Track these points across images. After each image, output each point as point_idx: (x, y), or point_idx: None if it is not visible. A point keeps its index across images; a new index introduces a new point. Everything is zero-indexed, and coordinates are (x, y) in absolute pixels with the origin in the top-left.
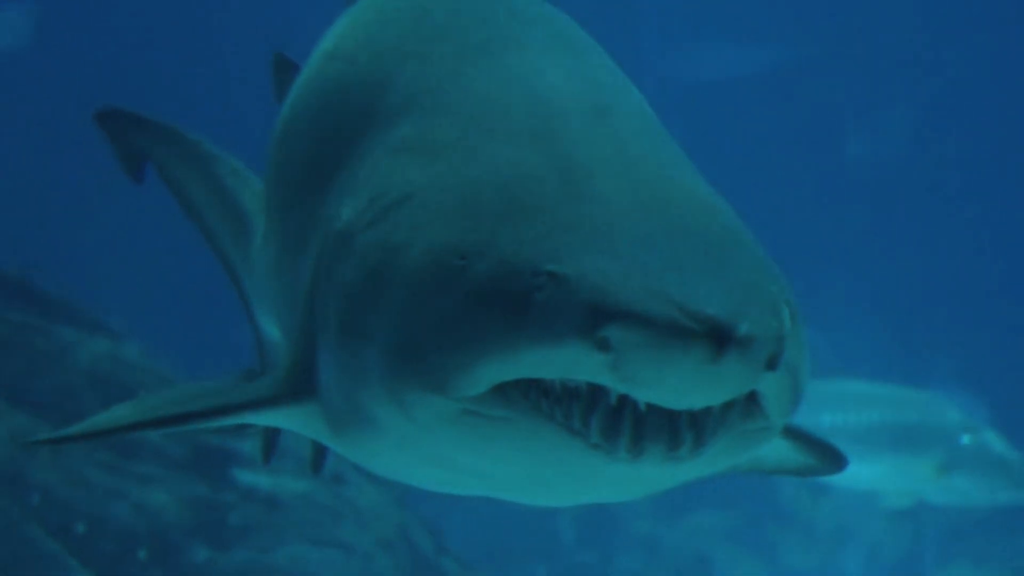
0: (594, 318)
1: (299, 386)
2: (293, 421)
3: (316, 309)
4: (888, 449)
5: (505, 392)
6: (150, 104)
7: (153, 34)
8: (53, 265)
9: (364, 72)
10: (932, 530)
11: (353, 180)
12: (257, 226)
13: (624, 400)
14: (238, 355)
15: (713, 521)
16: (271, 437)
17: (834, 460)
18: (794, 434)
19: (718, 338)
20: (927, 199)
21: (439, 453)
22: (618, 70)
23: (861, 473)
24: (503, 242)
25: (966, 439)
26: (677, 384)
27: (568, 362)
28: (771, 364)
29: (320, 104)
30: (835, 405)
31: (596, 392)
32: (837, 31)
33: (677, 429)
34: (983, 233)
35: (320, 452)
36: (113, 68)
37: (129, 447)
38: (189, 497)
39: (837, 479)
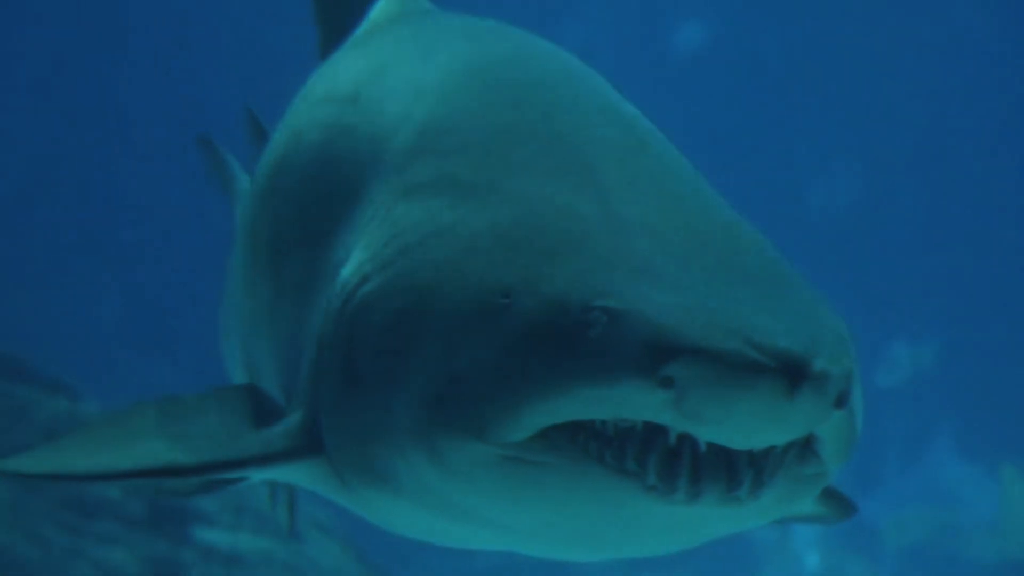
0: (657, 354)
1: (310, 440)
2: (300, 476)
3: (324, 358)
4: None
5: (548, 436)
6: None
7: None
8: (13, 326)
9: (367, 114)
10: None
11: (364, 223)
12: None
13: (683, 440)
14: None
15: None
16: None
17: (845, 510)
18: None
19: (792, 373)
20: (883, 247)
21: (472, 507)
22: (634, 107)
23: None
24: (549, 278)
25: None
26: (745, 422)
27: (626, 401)
28: (840, 402)
29: (316, 148)
30: None
31: (651, 432)
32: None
33: (735, 470)
34: (942, 277)
35: (287, 512)
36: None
37: (88, 505)
38: (148, 556)
39: None
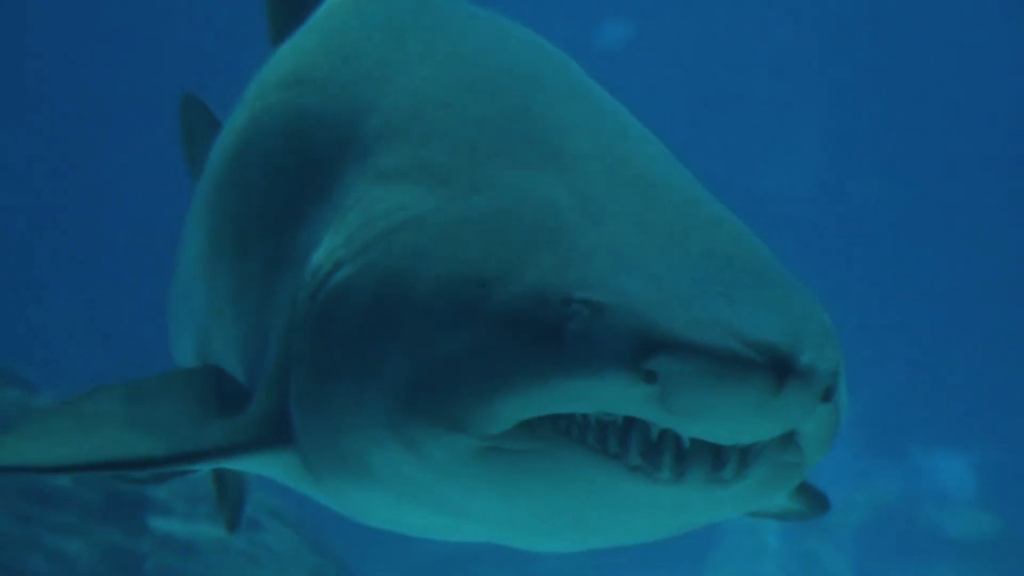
0: (640, 348)
1: (276, 430)
2: (268, 467)
3: (293, 347)
4: None
5: (530, 423)
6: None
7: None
8: None
9: (335, 99)
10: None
11: (332, 210)
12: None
13: (665, 435)
14: None
15: None
16: (233, 501)
17: (820, 506)
18: None
19: (780, 368)
20: (839, 234)
21: (450, 498)
22: (607, 93)
23: None
24: (526, 269)
25: None
26: (730, 417)
27: (608, 396)
28: (826, 397)
29: (280, 133)
30: None
31: (631, 425)
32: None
33: (720, 452)
34: (900, 267)
35: (232, 508)
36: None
37: (42, 494)
38: (104, 545)
39: None
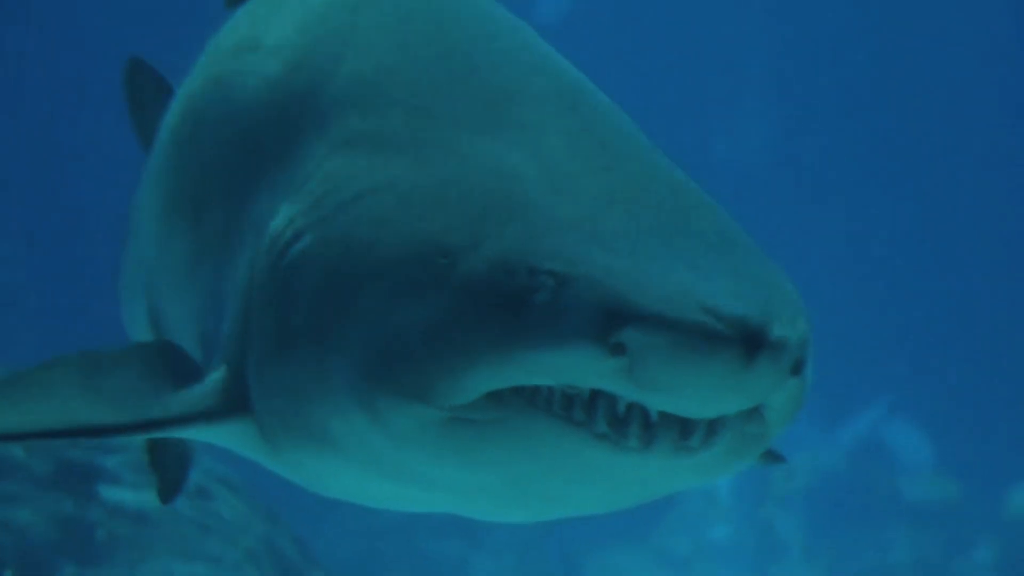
0: (608, 321)
1: (234, 400)
2: (224, 437)
3: (252, 316)
4: None
5: (496, 393)
6: None
7: None
8: None
9: (293, 65)
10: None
11: (291, 178)
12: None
13: (632, 406)
14: None
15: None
16: (170, 470)
17: (774, 459)
18: None
19: (750, 342)
20: (791, 199)
21: (414, 468)
22: (566, 60)
23: None
24: (491, 239)
25: None
26: (700, 391)
27: (575, 368)
28: (796, 370)
29: (235, 100)
30: None
31: (598, 396)
32: (701, 33)
33: (687, 422)
34: (853, 232)
35: (169, 479)
36: None
37: None
38: (55, 514)
39: None
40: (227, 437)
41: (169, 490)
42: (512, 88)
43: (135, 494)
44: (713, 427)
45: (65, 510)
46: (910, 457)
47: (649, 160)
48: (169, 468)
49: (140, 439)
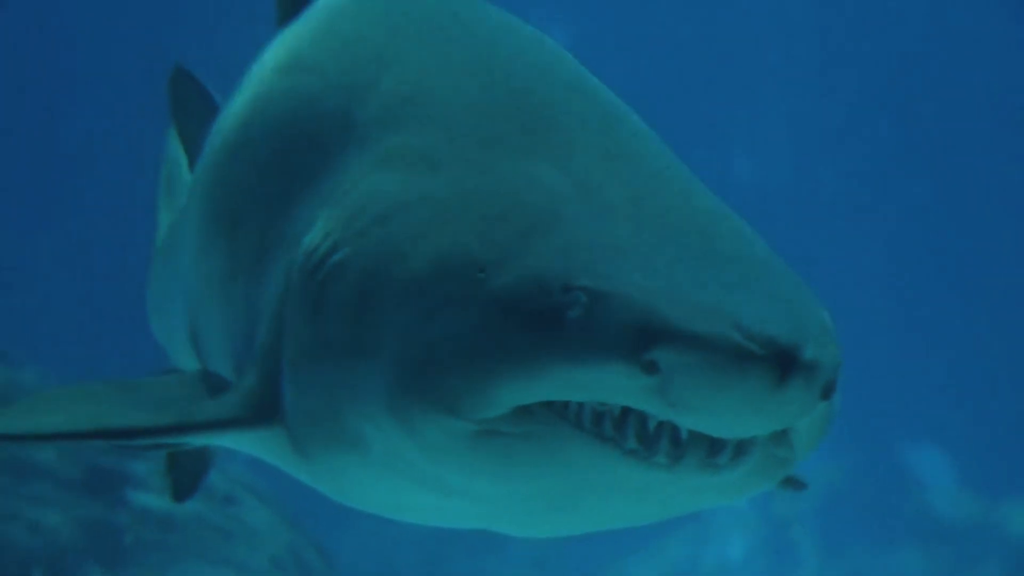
0: (642, 338)
1: (265, 408)
2: (254, 444)
3: (287, 326)
4: None
5: (526, 407)
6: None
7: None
8: None
9: (333, 84)
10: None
11: (328, 193)
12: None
13: (662, 425)
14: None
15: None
16: (189, 472)
17: (796, 484)
18: None
19: (783, 362)
20: (812, 219)
21: (446, 479)
22: (601, 83)
23: None
24: (526, 254)
25: None
26: (731, 411)
27: (606, 385)
28: (826, 394)
29: (278, 116)
30: None
31: (629, 413)
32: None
33: (716, 440)
34: (875, 251)
35: (184, 480)
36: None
37: (23, 468)
38: (83, 518)
39: None
40: (257, 445)
41: (183, 490)
42: (549, 109)
43: (163, 499)
44: (741, 448)
45: (93, 514)
46: (926, 475)
47: (684, 183)
48: (187, 469)
49: (179, 443)
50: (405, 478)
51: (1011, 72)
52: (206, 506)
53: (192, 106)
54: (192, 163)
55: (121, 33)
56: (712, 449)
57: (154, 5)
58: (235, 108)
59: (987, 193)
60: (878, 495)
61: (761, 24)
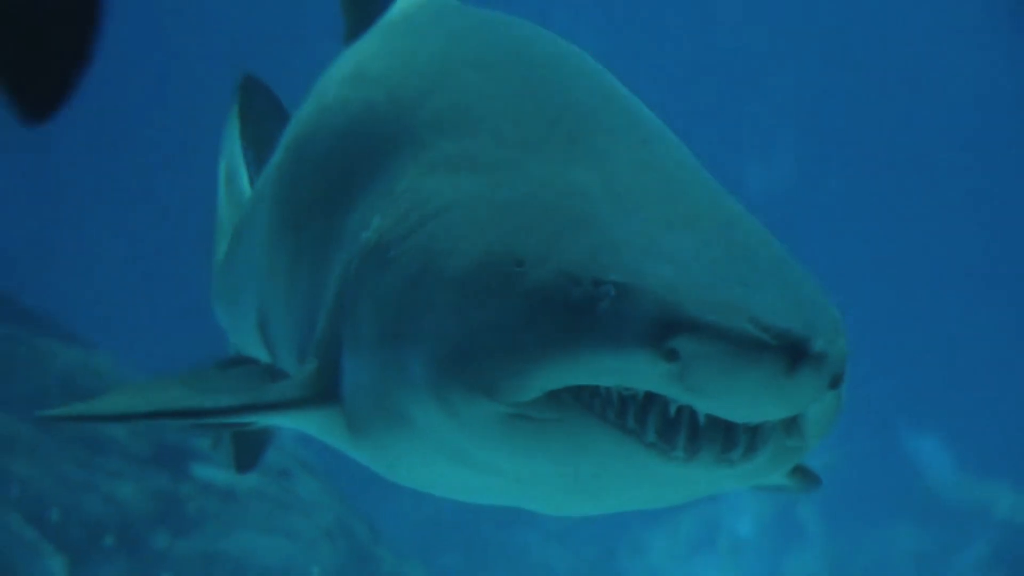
0: (664, 328)
1: (324, 390)
2: (312, 424)
3: (345, 315)
4: None
5: (555, 394)
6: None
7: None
8: (37, 283)
9: (392, 95)
10: None
11: (385, 194)
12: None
13: (681, 411)
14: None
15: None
16: (247, 447)
17: (812, 482)
18: None
19: (793, 352)
20: (816, 221)
21: (479, 456)
22: (638, 100)
23: None
24: (561, 251)
25: None
26: (745, 397)
27: (631, 371)
28: (834, 383)
29: (341, 124)
30: None
31: (652, 400)
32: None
33: (731, 434)
34: (875, 247)
35: (246, 455)
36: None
37: (98, 444)
38: (152, 490)
39: None
40: (316, 424)
41: (245, 464)
42: (586, 120)
43: (224, 473)
44: (754, 443)
45: (160, 486)
46: (922, 459)
47: (707, 189)
48: (248, 446)
49: (248, 422)
50: (446, 456)
51: (1011, 81)
52: (263, 479)
53: (260, 111)
54: (259, 164)
55: (199, 47)
56: (727, 444)
57: (237, 22)
58: (303, 116)
59: (978, 197)
60: (877, 477)
61: (768, 46)
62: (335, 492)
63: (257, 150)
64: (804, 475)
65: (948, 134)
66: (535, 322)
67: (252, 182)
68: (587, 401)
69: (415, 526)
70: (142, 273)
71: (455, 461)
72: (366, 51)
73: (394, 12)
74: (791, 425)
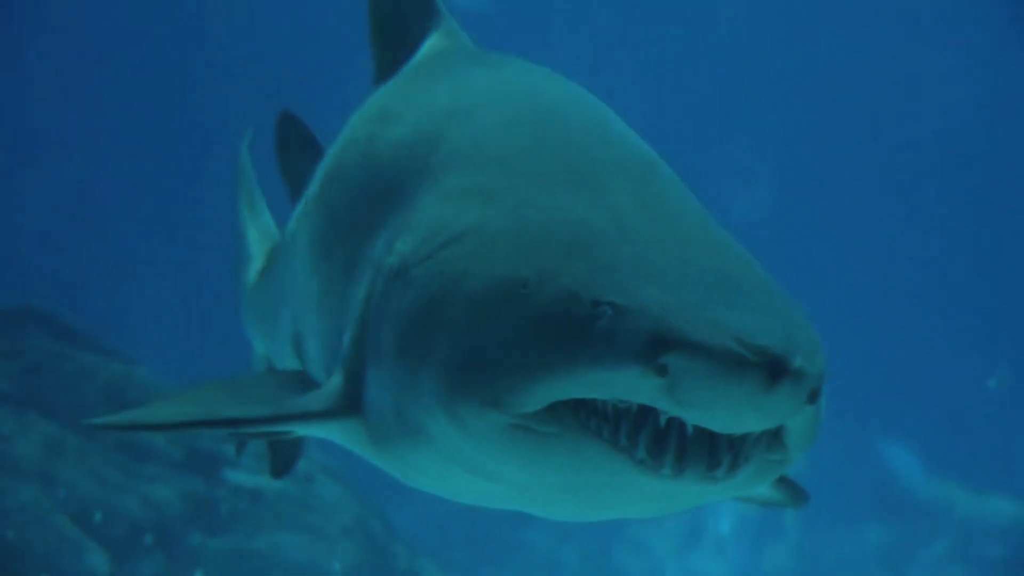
0: (655, 345)
1: (348, 402)
2: (336, 434)
3: (368, 333)
4: None
5: (556, 409)
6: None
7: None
8: (79, 300)
9: (414, 131)
10: None
11: (405, 222)
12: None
13: (671, 423)
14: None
15: None
16: (283, 454)
17: (800, 498)
18: None
19: (773, 369)
20: (793, 247)
21: (485, 465)
22: (638, 136)
23: None
24: (563, 274)
25: None
26: (729, 409)
27: (625, 385)
28: (812, 398)
29: (368, 157)
30: None
31: (644, 413)
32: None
33: (716, 453)
34: (849, 264)
35: (281, 461)
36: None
37: (138, 450)
38: (187, 492)
39: None
40: (341, 434)
41: (280, 469)
42: (589, 156)
43: (253, 477)
44: (737, 460)
45: (195, 489)
46: (890, 464)
47: (699, 219)
48: (283, 453)
49: (278, 432)
50: (456, 465)
51: (997, 116)
52: (288, 483)
53: (295, 143)
54: (295, 194)
55: (244, 86)
56: (712, 461)
57: (280, 65)
58: (335, 149)
59: (944, 221)
60: (847, 479)
61: (753, 85)
62: (354, 494)
63: (292, 180)
64: (792, 490)
65: (913, 161)
66: (538, 338)
67: (292, 206)
68: (584, 418)
69: (428, 524)
70: (179, 293)
71: (465, 470)
72: (393, 92)
73: (420, 56)
74: (773, 440)
